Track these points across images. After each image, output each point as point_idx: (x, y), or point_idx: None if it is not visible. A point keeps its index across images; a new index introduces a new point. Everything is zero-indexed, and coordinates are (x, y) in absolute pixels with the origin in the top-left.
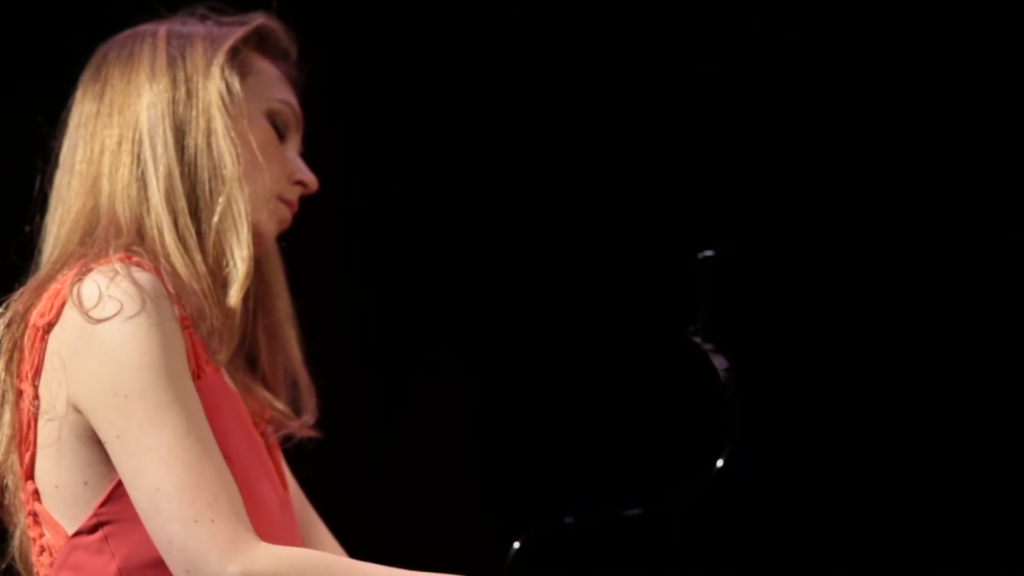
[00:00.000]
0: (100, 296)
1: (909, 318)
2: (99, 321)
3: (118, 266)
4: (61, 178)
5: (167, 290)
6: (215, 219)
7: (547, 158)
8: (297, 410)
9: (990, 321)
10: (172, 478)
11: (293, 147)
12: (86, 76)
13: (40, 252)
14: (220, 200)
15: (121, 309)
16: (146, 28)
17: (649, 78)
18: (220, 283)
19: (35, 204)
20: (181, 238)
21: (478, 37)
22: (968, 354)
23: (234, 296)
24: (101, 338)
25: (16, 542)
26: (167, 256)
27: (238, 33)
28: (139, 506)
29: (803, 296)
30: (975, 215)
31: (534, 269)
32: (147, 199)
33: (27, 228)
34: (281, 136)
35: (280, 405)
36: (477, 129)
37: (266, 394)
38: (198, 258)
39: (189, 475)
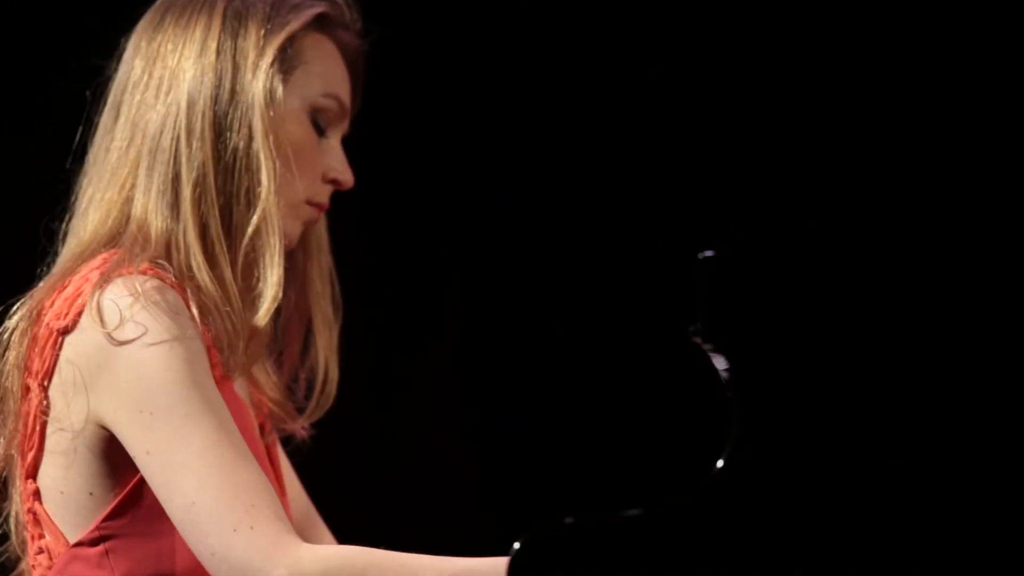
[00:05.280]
0: (121, 318)
1: (910, 318)
2: (121, 343)
3: (139, 282)
4: (102, 139)
5: (189, 308)
6: (249, 231)
7: (547, 158)
8: (300, 408)
9: (992, 322)
10: (207, 490)
11: (335, 137)
12: (144, 24)
13: (73, 217)
14: (254, 218)
15: (145, 333)
16: None
17: (648, 77)
18: (248, 302)
19: (77, 148)
20: (210, 255)
21: (476, 36)
22: (970, 355)
23: (261, 318)
24: (123, 359)
25: (12, 526)
26: (192, 276)
27: (293, 25)
28: (176, 520)
29: (803, 296)
30: (976, 214)
31: (534, 268)
32: (178, 205)
33: (67, 165)
34: (322, 131)
35: (279, 397)
36: (477, 129)
37: (271, 384)
38: (227, 274)
39: (223, 485)
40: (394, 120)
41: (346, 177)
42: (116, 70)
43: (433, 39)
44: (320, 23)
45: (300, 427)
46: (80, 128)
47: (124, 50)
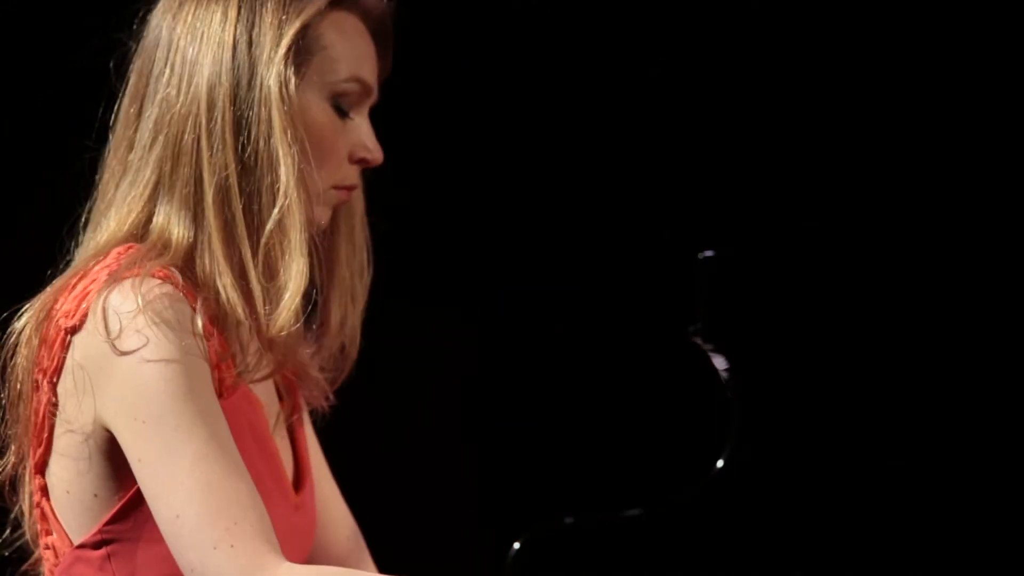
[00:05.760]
0: (122, 327)
1: (909, 319)
2: (122, 353)
3: (146, 287)
4: (123, 130)
5: (196, 316)
6: (268, 227)
7: (547, 157)
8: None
9: (990, 323)
10: (191, 504)
11: (360, 116)
12: (163, 7)
13: (94, 207)
14: (275, 212)
15: (145, 344)
16: None
17: (648, 75)
18: (271, 299)
19: (98, 124)
20: (235, 258)
21: (475, 33)
22: (968, 355)
23: (282, 313)
24: (122, 367)
25: (25, 520)
26: (211, 283)
27: (308, 12)
28: (163, 531)
29: (803, 296)
30: (974, 215)
31: (533, 268)
32: (202, 211)
33: (88, 143)
34: (345, 113)
35: (305, 370)
36: (479, 128)
37: (305, 353)
38: (252, 274)
39: (208, 500)
40: (392, 119)
41: (375, 155)
42: (136, 51)
43: (435, 38)
44: (338, 1)
45: (323, 398)
46: (102, 105)
47: (144, 32)
